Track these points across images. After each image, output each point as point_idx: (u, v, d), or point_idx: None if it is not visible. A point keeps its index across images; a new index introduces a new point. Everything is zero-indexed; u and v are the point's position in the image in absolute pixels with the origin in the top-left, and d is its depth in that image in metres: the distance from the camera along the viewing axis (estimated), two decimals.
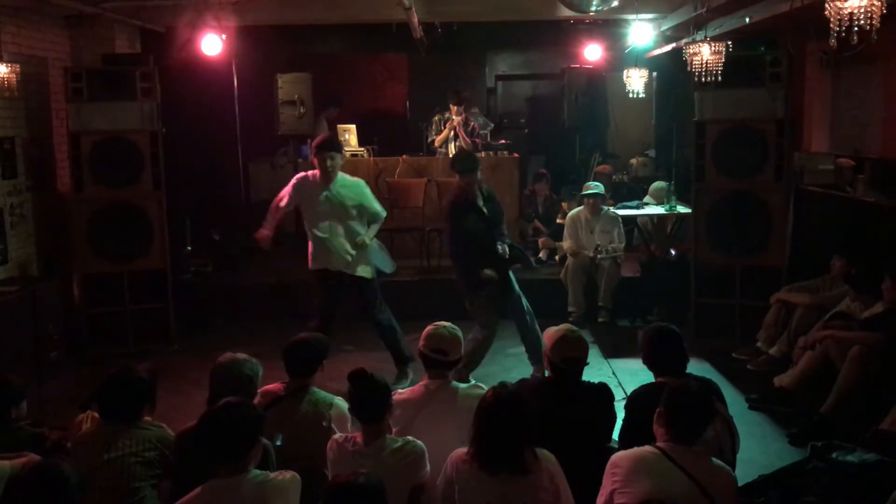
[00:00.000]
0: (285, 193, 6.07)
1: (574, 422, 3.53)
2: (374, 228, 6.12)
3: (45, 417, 4.36)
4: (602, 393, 3.73)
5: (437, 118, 9.15)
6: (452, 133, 8.98)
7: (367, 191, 6.10)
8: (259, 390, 3.73)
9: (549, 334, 3.78)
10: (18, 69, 5.94)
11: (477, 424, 3.06)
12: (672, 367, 3.68)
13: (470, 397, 3.52)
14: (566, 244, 7.95)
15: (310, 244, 6.06)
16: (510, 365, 6.38)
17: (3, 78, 5.82)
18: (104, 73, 7.05)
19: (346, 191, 5.94)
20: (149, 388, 3.51)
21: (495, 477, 2.97)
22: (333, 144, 6.05)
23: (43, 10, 7.06)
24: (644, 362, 3.82)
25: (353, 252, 5.94)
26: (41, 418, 4.19)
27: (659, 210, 8.31)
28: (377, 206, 6.12)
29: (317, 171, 5.93)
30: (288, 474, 2.98)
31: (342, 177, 5.98)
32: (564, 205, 8.86)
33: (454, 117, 8.99)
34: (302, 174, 6.10)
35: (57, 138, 7.50)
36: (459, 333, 3.87)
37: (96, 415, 3.58)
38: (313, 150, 5.95)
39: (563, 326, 3.83)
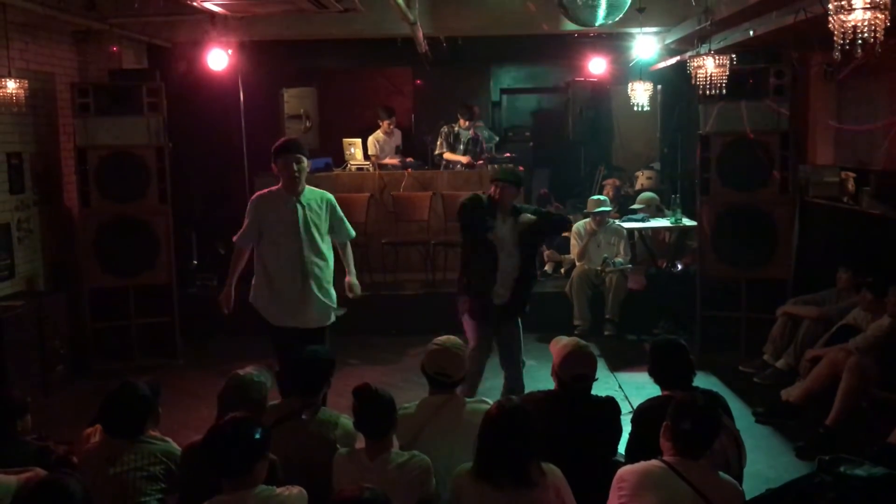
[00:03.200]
0: (245, 227, 5.00)
1: (580, 436, 3.52)
2: (351, 256, 5.29)
3: (51, 431, 4.35)
4: (609, 407, 3.72)
5: (444, 129, 9.21)
6: (462, 148, 9.08)
7: (337, 205, 5.19)
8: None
9: (558, 349, 3.77)
10: (26, 85, 5.98)
11: (481, 439, 3.06)
12: (679, 381, 3.67)
13: (476, 412, 3.50)
14: (574, 251, 7.95)
15: (257, 283, 5.08)
16: None
17: (11, 93, 5.86)
18: (111, 89, 7.10)
19: (316, 207, 5.01)
20: (151, 402, 3.51)
21: (501, 491, 2.96)
22: (298, 146, 4.99)
23: (50, 27, 7.11)
24: (651, 375, 3.81)
25: (323, 302, 5.02)
26: (46, 432, 4.19)
27: (664, 223, 8.31)
28: (349, 225, 5.24)
29: (274, 187, 5.02)
30: (294, 489, 2.97)
31: (309, 189, 5.05)
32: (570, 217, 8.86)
33: (463, 131, 9.07)
34: (257, 193, 5.11)
35: (64, 153, 7.53)
36: (462, 351, 3.84)
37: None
38: (273, 153, 4.92)
39: (572, 341, 3.81)
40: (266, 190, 5.06)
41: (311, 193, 5.03)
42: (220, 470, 2.90)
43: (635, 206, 8.59)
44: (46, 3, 6.30)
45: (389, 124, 9.52)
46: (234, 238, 5.08)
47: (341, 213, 5.16)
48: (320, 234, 4.99)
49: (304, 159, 4.91)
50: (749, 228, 6.86)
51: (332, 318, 5.11)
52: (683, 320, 7.26)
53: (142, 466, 3.30)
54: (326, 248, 5.05)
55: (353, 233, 5.26)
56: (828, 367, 5.24)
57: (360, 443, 3.44)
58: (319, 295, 4.98)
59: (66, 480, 2.84)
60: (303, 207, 4.91)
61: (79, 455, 3.64)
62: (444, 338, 3.88)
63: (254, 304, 5.10)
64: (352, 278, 5.25)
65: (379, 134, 9.54)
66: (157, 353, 7.16)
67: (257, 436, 2.94)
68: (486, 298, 5.12)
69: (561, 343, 3.80)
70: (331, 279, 5.09)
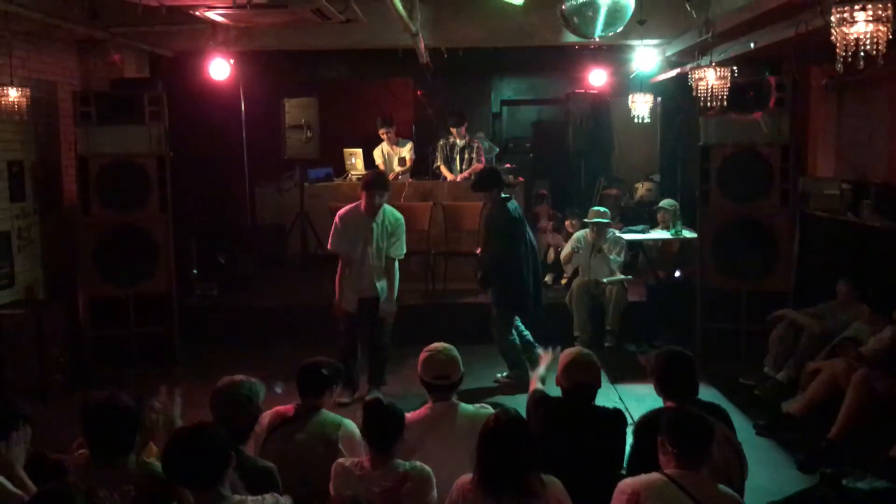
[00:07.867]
0: (333, 237, 6.21)
1: (585, 447, 3.51)
2: (396, 273, 6.31)
3: (49, 440, 4.32)
4: (616, 419, 3.70)
5: (441, 143, 9.21)
6: (458, 157, 9.07)
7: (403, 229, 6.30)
8: (273, 409, 3.76)
9: (561, 357, 3.77)
10: (28, 93, 5.99)
11: (480, 451, 3.03)
12: (684, 393, 3.64)
13: (477, 420, 3.48)
14: (564, 252, 7.94)
15: (341, 280, 6.19)
16: None
17: (13, 102, 5.87)
18: (113, 97, 7.10)
19: (390, 222, 6.20)
20: (136, 414, 3.43)
21: (501, 503, 2.94)
22: (382, 183, 6.21)
23: (53, 35, 7.12)
24: (655, 386, 3.74)
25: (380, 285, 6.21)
26: (41, 441, 4.15)
27: (664, 235, 8.31)
28: (403, 246, 6.32)
29: (356, 205, 6.18)
30: (270, 498, 2.86)
31: (388, 207, 6.26)
32: (568, 223, 8.77)
33: (457, 141, 9.04)
34: (342, 210, 6.27)
35: (65, 161, 7.53)
36: (455, 353, 3.85)
37: None
38: (362, 186, 6.15)
39: (576, 350, 3.83)
40: (348, 207, 6.24)
41: (391, 212, 6.22)
42: (181, 481, 2.81)
43: (661, 205, 8.54)
44: (49, 12, 6.32)
45: (386, 133, 9.34)
46: None
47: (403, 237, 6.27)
48: (379, 244, 6.14)
49: (385, 193, 6.13)
50: (749, 240, 6.87)
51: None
52: (684, 332, 7.25)
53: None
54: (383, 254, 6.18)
55: (401, 252, 6.24)
56: (828, 379, 5.24)
57: (362, 448, 3.43)
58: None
59: (68, 489, 2.82)
60: (377, 224, 6.11)
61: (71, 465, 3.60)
62: (433, 344, 3.90)
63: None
64: (383, 302, 6.19)
65: (384, 146, 9.42)
66: (156, 363, 7.11)
67: (216, 445, 2.81)
68: None
69: (564, 352, 3.81)
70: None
